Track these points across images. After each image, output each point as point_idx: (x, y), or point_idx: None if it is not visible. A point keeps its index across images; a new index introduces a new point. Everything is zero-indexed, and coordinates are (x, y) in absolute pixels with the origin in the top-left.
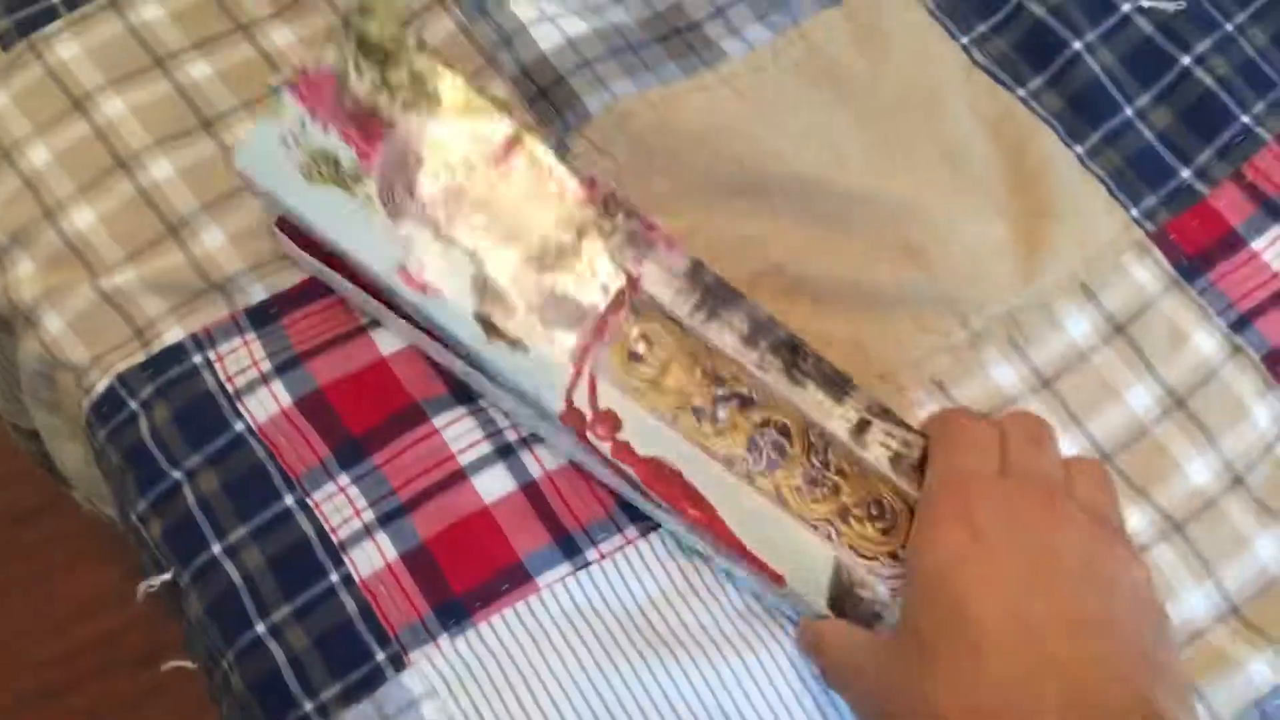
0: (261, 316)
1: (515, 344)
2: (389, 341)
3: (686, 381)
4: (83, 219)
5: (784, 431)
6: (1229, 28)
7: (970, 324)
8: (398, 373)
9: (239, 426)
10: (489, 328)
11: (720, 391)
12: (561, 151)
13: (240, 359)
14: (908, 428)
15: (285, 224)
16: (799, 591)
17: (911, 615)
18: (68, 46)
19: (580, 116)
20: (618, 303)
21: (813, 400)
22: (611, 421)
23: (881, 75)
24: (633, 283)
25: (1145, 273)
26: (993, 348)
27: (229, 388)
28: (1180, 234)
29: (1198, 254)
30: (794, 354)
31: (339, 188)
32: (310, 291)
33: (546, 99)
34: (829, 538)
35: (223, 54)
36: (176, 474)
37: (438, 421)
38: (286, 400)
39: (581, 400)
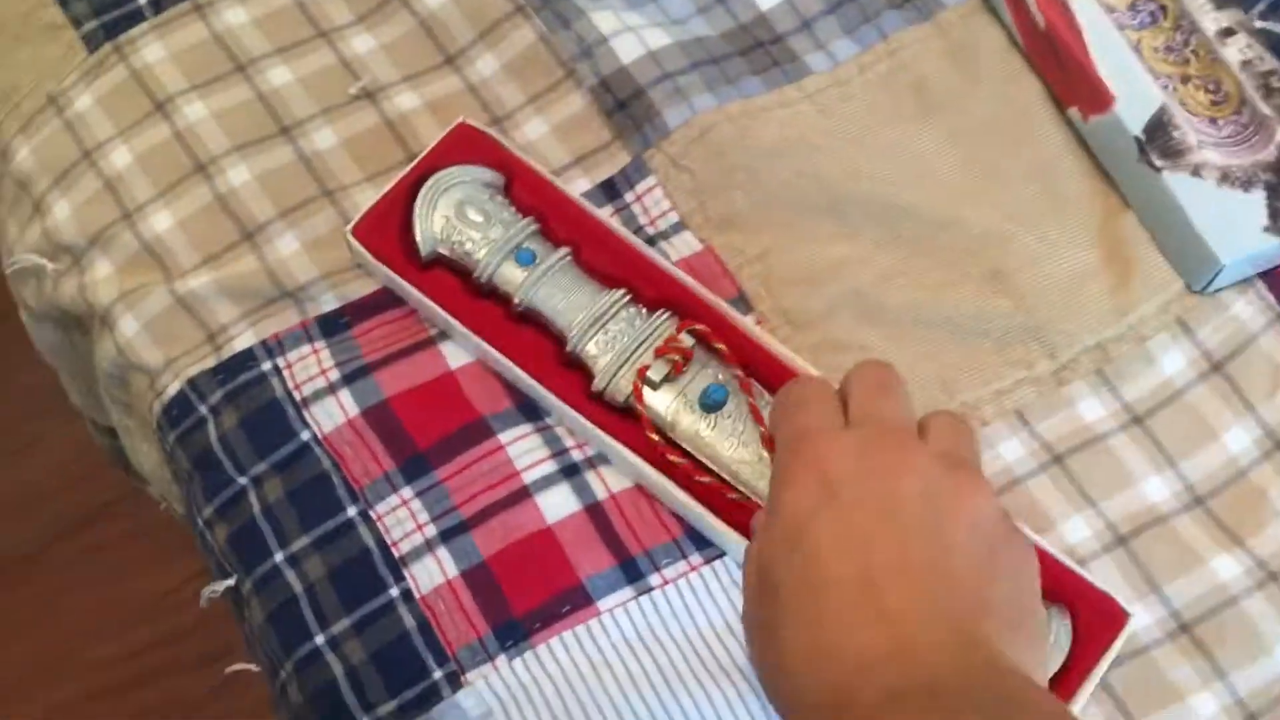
0: (332, 325)
1: None
2: (457, 355)
3: None
4: (160, 222)
5: (1162, 8)
6: None
7: (1058, 355)
8: (465, 387)
9: (305, 435)
10: None
11: None
12: (639, 170)
13: (309, 367)
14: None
15: (360, 231)
16: (1120, 114)
17: (772, 567)
18: (152, 50)
19: (659, 130)
20: None
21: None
22: None
23: (971, 94)
24: None
25: (1247, 307)
26: (1081, 381)
27: (296, 395)
28: None
29: None
30: None
31: None
32: (382, 301)
33: (625, 111)
34: (1165, 89)
35: (304, 60)
36: (242, 480)
37: (503, 437)
38: (353, 410)
39: None
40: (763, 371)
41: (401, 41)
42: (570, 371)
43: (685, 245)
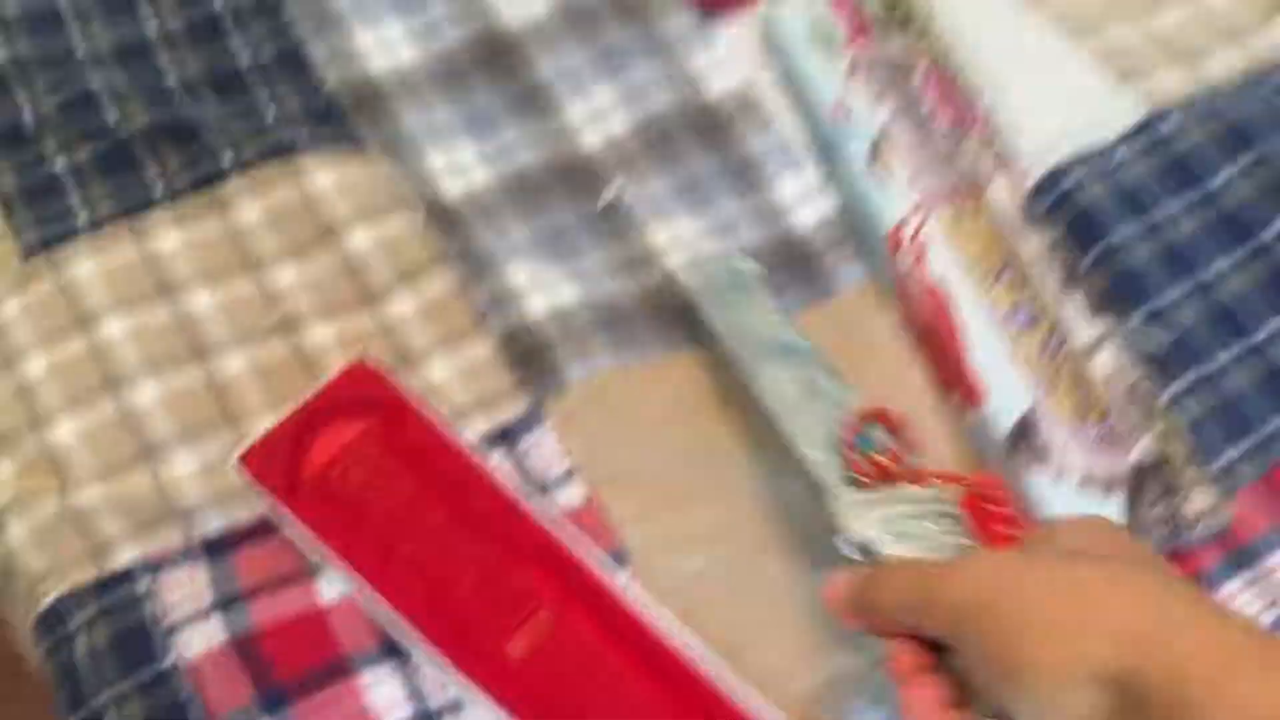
0: (215, 549)
1: (884, 177)
2: (332, 588)
3: (985, 252)
4: (64, 432)
5: (1038, 314)
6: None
7: None
8: (335, 621)
9: (169, 660)
10: (875, 159)
11: (1005, 269)
12: (535, 419)
13: (184, 589)
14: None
15: (249, 457)
16: (991, 412)
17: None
18: (84, 266)
19: (558, 383)
20: (970, 186)
21: (1073, 309)
22: (920, 249)
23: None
24: (981, 184)
25: None
26: None
27: (167, 619)
28: None
29: None
30: (1071, 274)
31: (825, 48)
32: (267, 528)
33: (529, 362)
34: (1036, 390)
35: (227, 287)
36: (103, 698)
37: (365, 677)
38: (221, 637)
39: (908, 227)
40: (625, 631)
41: (324, 277)
42: (442, 613)
43: (572, 497)
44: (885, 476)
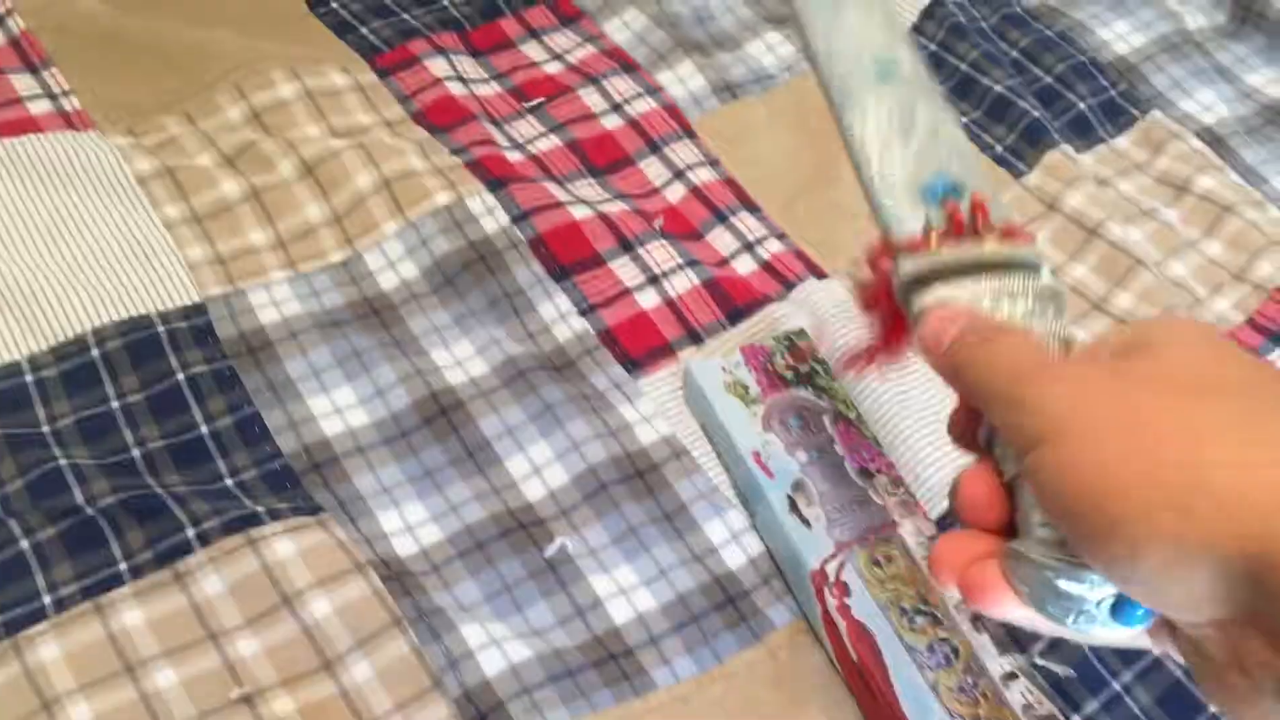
0: None
1: (805, 522)
2: None
3: (902, 592)
4: None
5: (955, 650)
6: (1116, 687)
7: None
8: None
9: None
10: (794, 506)
11: (922, 607)
12: None
13: None
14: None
15: None
16: None
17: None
18: (48, 648)
19: None
20: (883, 528)
21: (984, 644)
22: (843, 589)
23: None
24: (893, 525)
25: None
26: None
27: None
28: None
29: None
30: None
31: (741, 401)
32: None
33: None
34: None
35: (190, 663)
36: None
37: None
38: None
39: (830, 568)
40: None
41: (284, 646)
42: None
43: None
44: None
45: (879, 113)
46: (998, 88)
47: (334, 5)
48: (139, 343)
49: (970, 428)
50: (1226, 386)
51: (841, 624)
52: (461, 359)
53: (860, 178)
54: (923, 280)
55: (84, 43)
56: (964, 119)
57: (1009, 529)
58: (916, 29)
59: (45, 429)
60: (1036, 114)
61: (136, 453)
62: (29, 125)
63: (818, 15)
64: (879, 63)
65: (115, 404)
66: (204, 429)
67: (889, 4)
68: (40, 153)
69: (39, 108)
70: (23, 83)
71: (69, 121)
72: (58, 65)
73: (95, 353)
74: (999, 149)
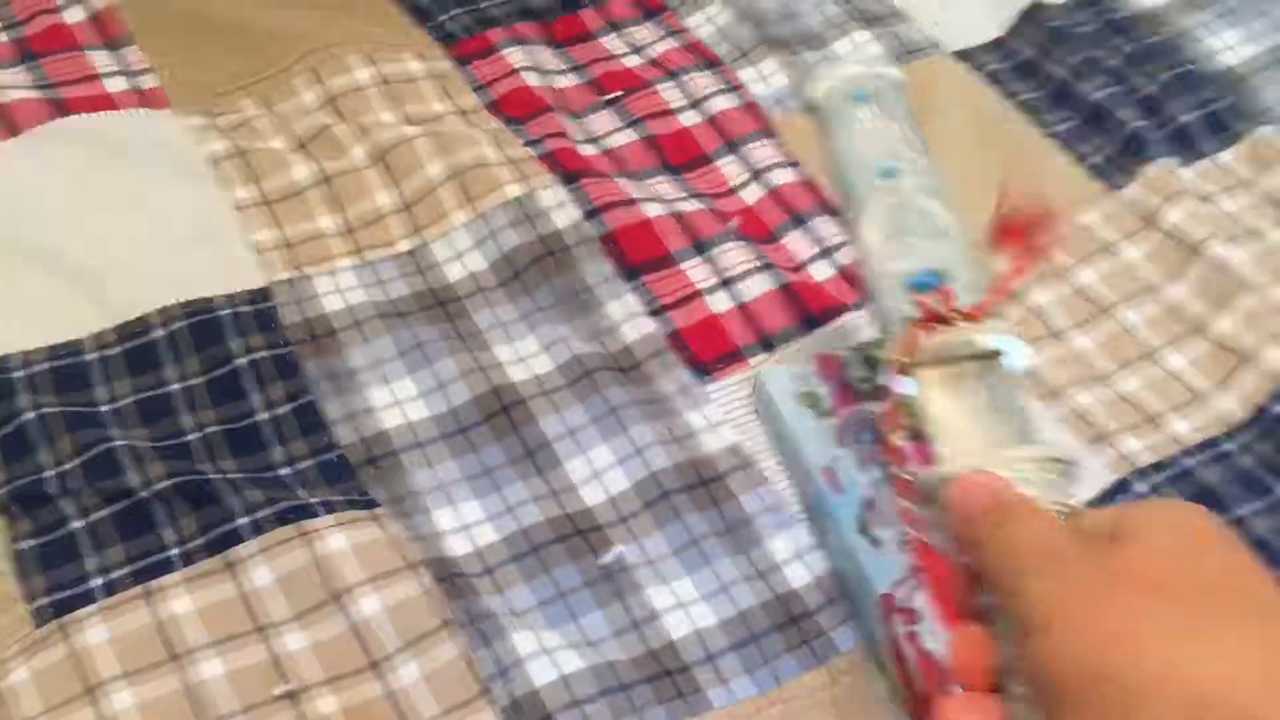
0: None
1: (875, 543)
2: None
3: None
4: None
5: None
6: None
7: None
8: None
9: None
10: (864, 526)
11: None
12: None
13: None
14: None
15: None
16: None
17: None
18: (96, 632)
19: None
20: None
21: None
22: (912, 616)
23: None
24: None
25: None
26: None
27: None
28: None
29: None
30: None
31: (813, 413)
32: None
33: None
34: None
35: (237, 654)
36: None
37: None
38: None
39: (899, 593)
40: None
41: (332, 643)
42: None
43: None
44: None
45: (879, 213)
46: (1097, 95)
47: None
48: (202, 325)
49: (969, 591)
50: (1187, 584)
51: (909, 652)
52: (525, 355)
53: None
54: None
55: (164, 20)
56: (1061, 127)
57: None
58: (1015, 32)
59: (104, 408)
60: (1137, 125)
61: (194, 437)
62: (105, 102)
63: (836, 121)
64: (882, 166)
65: (175, 386)
66: (262, 415)
67: (903, 105)
68: (115, 130)
69: (115, 85)
70: (101, 59)
71: (144, 99)
72: (137, 42)
73: (159, 333)
74: (1096, 159)
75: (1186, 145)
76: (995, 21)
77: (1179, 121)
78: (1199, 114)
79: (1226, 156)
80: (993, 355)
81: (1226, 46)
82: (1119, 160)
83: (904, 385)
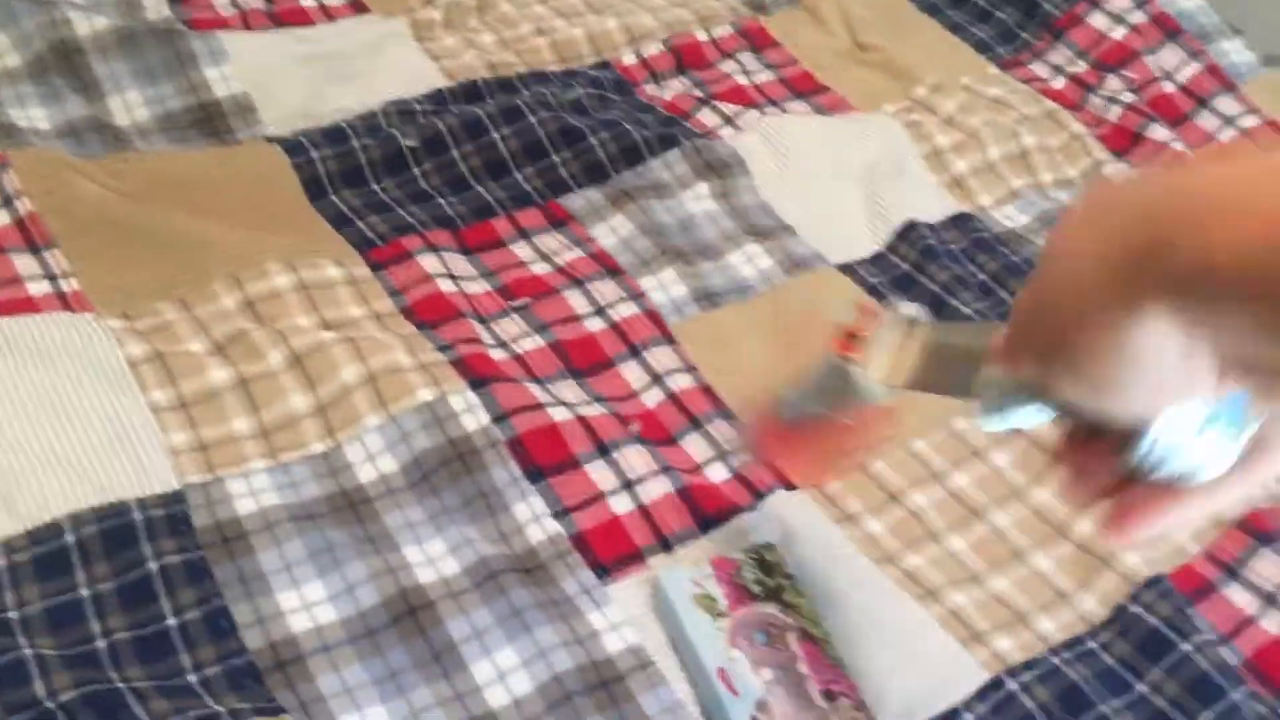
0: None
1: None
2: None
3: None
4: None
5: None
6: None
7: None
8: None
9: None
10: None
11: None
12: None
13: None
14: None
15: None
16: None
17: None
18: None
19: None
20: None
21: None
22: None
23: None
24: None
25: None
26: None
27: None
28: None
29: None
30: None
31: (709, 615)
32: None
33: None
34: None
35: None
36: None
37: None
38: None
39: None
40: None
41: None
42: None
43: None
44: None
45: None
46: (967, 310)
47: (333, 198)
48: (114, 530)
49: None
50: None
51: None
52: (434, 557)
53: None
54: None
55: (88, 227)
56: None
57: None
58: (891, 249)
59: (13, 614)
60: None
61: (102, 644)
62: (26, 305)
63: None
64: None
65: (85, 592)
66: (171, 621)
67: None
68: (35, 333)
69: (38, 288)
70: (24, 263)
71: (66, 303)
72: (60, 247)
73: (70, 538)
74: None
75: None
76: (874, 237)
77: None
78: None
79: None
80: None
81: None
82: None
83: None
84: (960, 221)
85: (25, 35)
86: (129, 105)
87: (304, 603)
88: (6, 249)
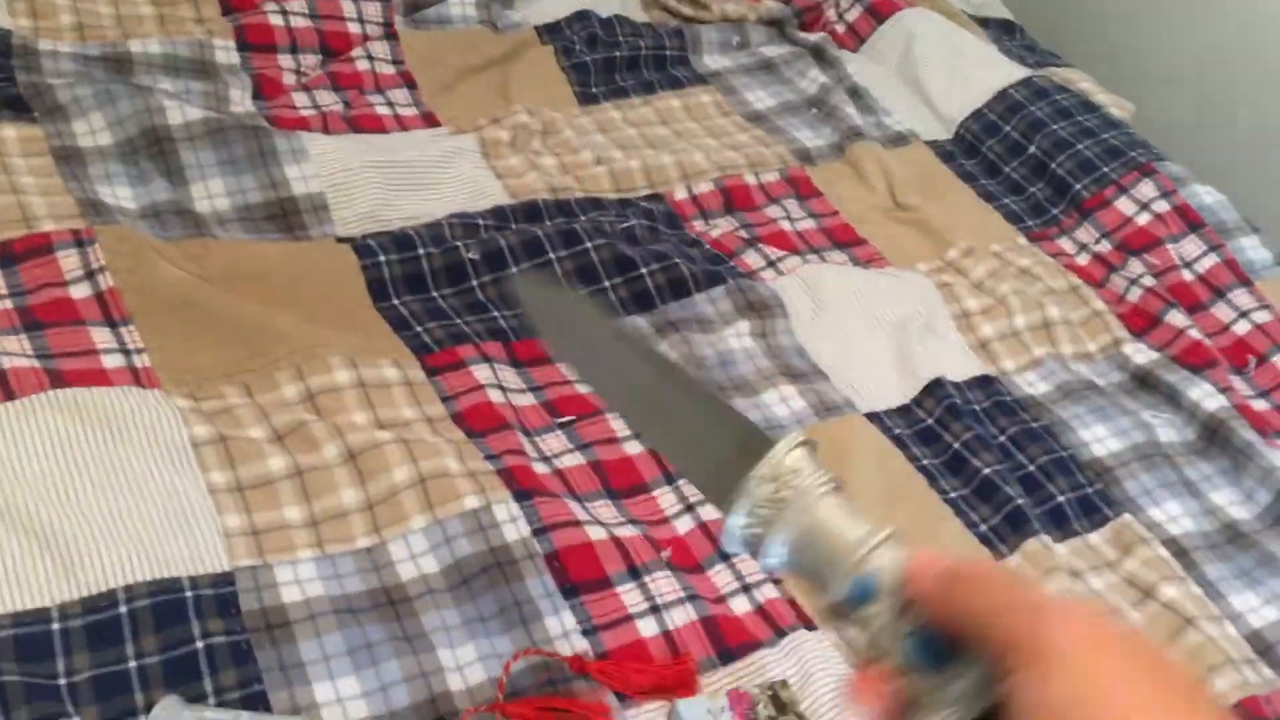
0: None
1: None
2: None
3: None
4: None
5: None
6: None
7: None
8: None
9: None
10: None
11: None
12: None
13: None
14: None
15: None
16: None
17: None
18: None
19: None
20: None
21: None
22: None
23: None
24: None
25: None
26: None
27: None
28: None
29: None
30: None
31: None
32: None
33: None
34: None
35: None
36: None
37: None
38: None
39: None
40: None
41: None
42: None
43: None
44: None
45: None
46: (986, 470)
47: (395, 302)
48: (166, 605)
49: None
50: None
51: None
52: (463, 664)
53: None
54: None
55: (163, 306)
56: (953, 494)
57: None
58: (917, 402)
59: (62, 681)
60: (1020, 501)
61: (143, 718)
62: (100, 378)
63: None
64: None
65: (133, 664)
66: (211, 701)
67: None
68: (107, 405)
69: (112, 361)
70: (101, 336)
71: (137, 378)
72: (135, 324)
73: (123, 609)
74: (983, 528)
75: (1061, 523)
76: (902, 390)
77: (1056, 501)
78: (1072, 496)
79: (1095, 538)
80: None
81: (1097, 439)
82: (1002, 531)
83: None
84: (984, 383)
85: (120, 118)
86: (211, 193)
87: (338, 696)
88: (86, 321)
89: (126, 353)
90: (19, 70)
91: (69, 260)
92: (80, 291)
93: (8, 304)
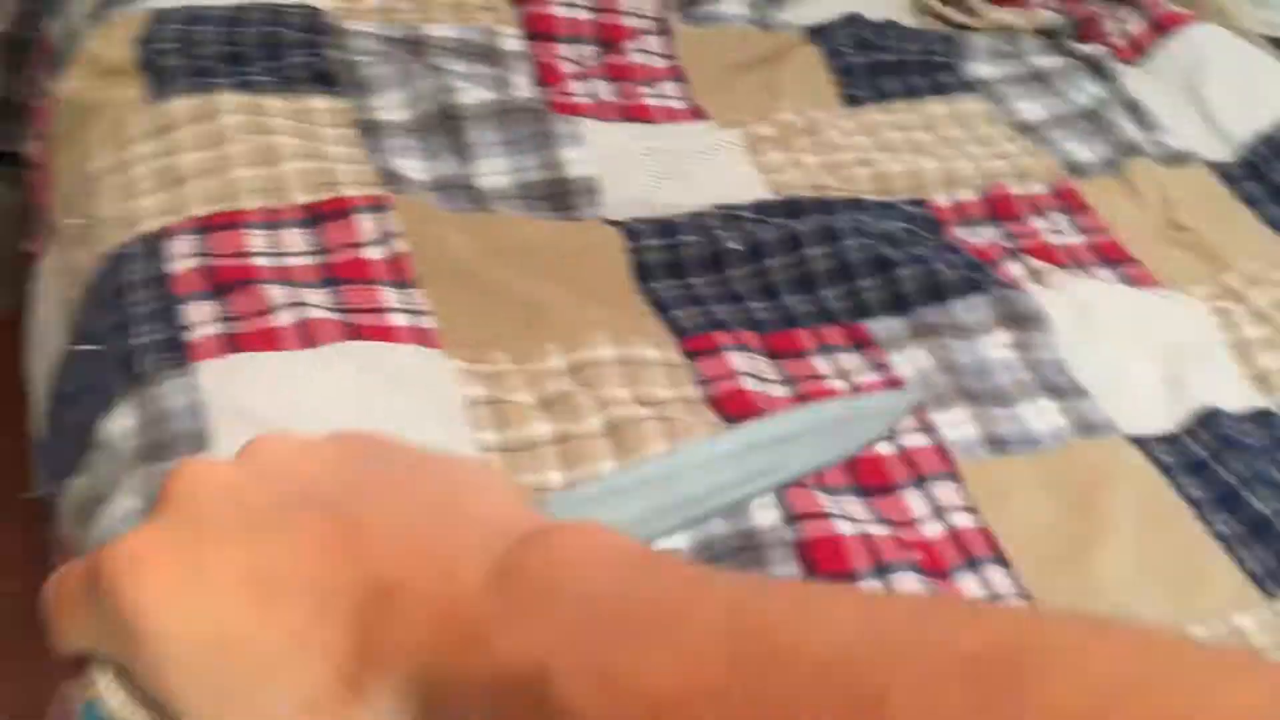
0: None
1: None
2: None
3: None
4: None
5: None
6: None
7: None
8: None
9: None
10: None
11: None
12: None
13: None
14: None
15: None
16: None
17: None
18: None
19: None
20: None
21: None
22: None
23: None
24: None
25: None
26: None
27: None
28: None
29: None
30: None
31: None
32: None
33: None
34: None
35: None
36: None
37: None
38: None
39: None
40: None
41: None
42: None
43: None
44: None
45: None
46: (1263, 508)
47: (655, 286)
48: None
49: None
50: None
51: None
52: None
53: None
54: None
55: (446, 273)
56: (1224, 529)
57: None
58: (1188, 432)
59: None
60: None
61: None
62: (389, 334)
63: None
64: None
65: None
66: None
67: None
68: (392, 360)
69: (399, 320)
70: (390, 296)
71: (422, 337)
72: (422, 287)
73: None
74: (1256, 567)
75: None
76: (1169, 417)
77: None
78: None
79: None
80: None
81: None
82: (1277, 573)
83: None
84: (1261, 418)
85: (417, 95)
86: (494, 170)
87: None
88: (378, 281)
89: (413, 313)
90: (329, 48)
91: (366, 225)
92: (374, 254)
93: (311, 260)
